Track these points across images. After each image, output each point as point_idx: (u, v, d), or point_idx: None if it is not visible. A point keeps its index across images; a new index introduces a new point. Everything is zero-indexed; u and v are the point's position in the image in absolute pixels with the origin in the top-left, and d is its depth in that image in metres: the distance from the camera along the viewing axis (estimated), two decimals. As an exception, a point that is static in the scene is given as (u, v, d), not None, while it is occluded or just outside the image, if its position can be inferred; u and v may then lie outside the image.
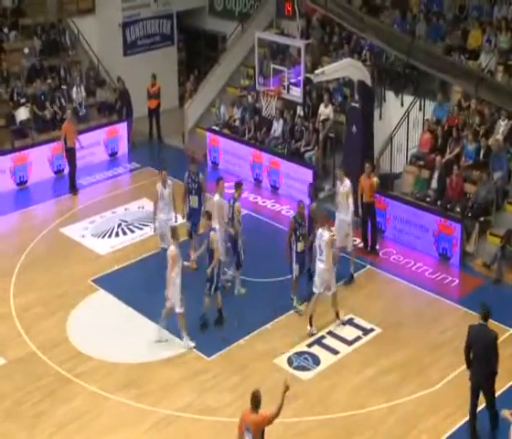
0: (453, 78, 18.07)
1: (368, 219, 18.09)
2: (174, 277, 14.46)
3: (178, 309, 14.65)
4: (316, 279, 15.12)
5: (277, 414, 10.33)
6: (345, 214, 16.85)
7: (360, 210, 17.91)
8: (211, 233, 14.98)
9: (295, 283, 15.93)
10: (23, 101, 23.01)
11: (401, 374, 14.12)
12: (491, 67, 20.52)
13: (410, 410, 13.27)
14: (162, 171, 17.25)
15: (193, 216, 17.19)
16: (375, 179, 17.77)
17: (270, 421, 10.35)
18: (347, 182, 16.89)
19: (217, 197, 16.32)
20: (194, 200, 17.11)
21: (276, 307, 15.84)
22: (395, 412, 13.16)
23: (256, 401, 10.36)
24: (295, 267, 15.77)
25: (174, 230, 14.82)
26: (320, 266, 15.02)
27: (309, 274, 16.08)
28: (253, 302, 16.09)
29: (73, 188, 21.63)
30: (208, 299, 15.25)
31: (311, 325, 15.17)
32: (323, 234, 14.95)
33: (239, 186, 16.59)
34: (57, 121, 23.17)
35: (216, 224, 15.72)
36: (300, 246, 15.68)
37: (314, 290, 15.17)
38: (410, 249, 17.92)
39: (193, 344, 14.86)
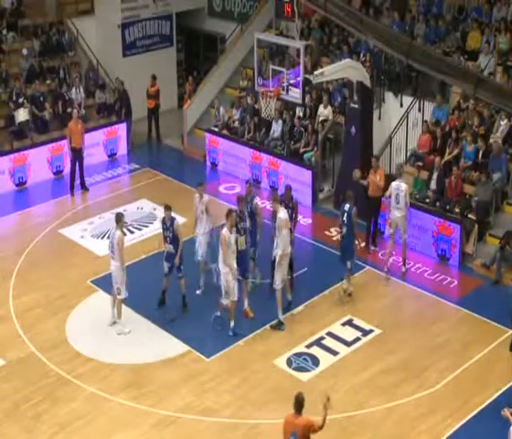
0: (452, 79, 18.07)
1: (373, 213, 18.24)
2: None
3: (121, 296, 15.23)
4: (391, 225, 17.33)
5: (322, 426, 10.28)
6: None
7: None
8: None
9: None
10: (21, 100, 22.97)
11: (400, 375, 14.13)
12: (490, 68, 20.55)
13: (409, 411, 13.28)
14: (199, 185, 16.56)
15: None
16: (379, 176, 17.96)
17: (315, 430, 10.28)
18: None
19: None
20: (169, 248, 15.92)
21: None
22: (394, 413, 13.18)
23: (300, 404, 10.31)
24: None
25: (118, 216, 15.39)
26: (397, 214, 17.00)
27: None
28: (253, 303, 16.07)
29: (84, 186, 21.77)
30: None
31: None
32: (400, 185, 16.88)
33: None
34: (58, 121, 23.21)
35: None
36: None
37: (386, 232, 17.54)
38: (410, 250, 17.92)
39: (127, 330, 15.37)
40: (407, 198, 17.11)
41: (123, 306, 16.10)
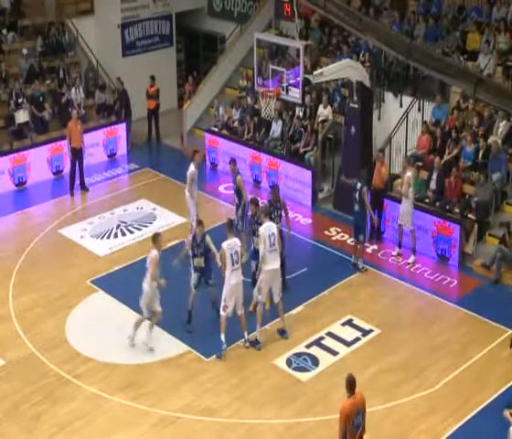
0: (452, 79, 18.07)
1: (376, 206, 18.38)
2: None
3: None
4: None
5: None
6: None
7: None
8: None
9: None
10: (21, 101, 22.97)
11: (400, 375, 14.13)
12: (490, 68, 20.55)
13: (409, 411, 13.28)
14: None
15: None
16: (384, 170, 18.46)
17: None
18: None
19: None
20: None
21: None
22: (393, 413, 13.18)
23: (353, 384, 10.52)
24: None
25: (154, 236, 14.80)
26: (405, 204, 17.55)
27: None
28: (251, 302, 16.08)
29: (83, 187, 21.77)
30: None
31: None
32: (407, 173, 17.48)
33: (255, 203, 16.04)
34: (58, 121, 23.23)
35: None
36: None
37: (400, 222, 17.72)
38: (410, 250, 17.93)
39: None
40: (410, 187, 17.49)
41: (123, 306, 16.14)
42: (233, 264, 14.37)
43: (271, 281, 14.81)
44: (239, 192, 17.37)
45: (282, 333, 15.20)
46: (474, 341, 15.10)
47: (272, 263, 14.69)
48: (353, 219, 17.78)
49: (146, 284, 14.61)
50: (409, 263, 17.77)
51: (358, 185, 17.21)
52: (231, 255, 14.33)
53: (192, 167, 18.26)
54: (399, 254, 18.09)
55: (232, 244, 14.43)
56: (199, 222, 15.42)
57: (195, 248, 15.21)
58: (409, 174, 17.68)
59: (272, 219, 15.48)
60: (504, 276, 17.10)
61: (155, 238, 14.68)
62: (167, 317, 15.56)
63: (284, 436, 12.82)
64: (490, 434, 12.45)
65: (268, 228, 14.76)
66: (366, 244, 17.99)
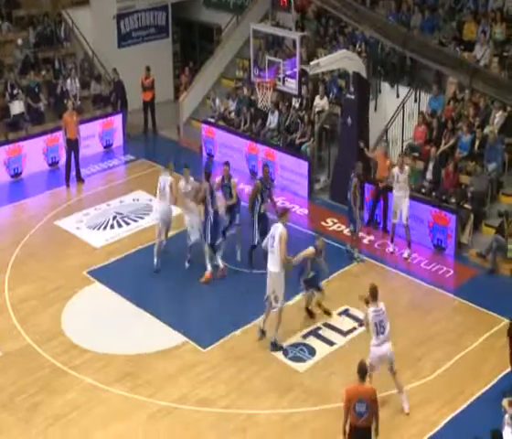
0: (449, 69, 18.08)
1: (380, 196, 18.52)
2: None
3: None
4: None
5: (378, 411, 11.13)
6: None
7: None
8: None
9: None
10: (16, 91, 22.92)
11: (395, 365, 14.13)
12: (486, 58, 20.53)
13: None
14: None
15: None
16: (389, 162, 18.50)
17: (377, 403, 11.07)
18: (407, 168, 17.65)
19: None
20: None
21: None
22: (388, 403, 13.16)
23: (364, 371, 10.95)
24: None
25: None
26: (397, 195, 17.48)
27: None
28: (249, 292, 16.10)
29: (79, 178, 21.73)
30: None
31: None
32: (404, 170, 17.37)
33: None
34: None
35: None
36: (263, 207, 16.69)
37: (394, 220, 17.68)
38: (406, 240, 17.94)
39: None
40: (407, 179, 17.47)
41: (119, 297, 16.14)
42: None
43: (269, 280, 14.53)
44: (230, 194, 17.22)
45: (262, 333, 14.88)
46: (469, 330, 15.13)
47: (268, 263, 14.43)
48: (347, 210, 17.87)
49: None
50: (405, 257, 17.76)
51: (352, 175, 17.32)
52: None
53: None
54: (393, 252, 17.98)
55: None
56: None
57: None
58: (407, 168, 17.63)
59: (261, 199, 16.33)
60: (500, 266, 17.13)
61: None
62: (164, 309, 15.63)
63: (281, 426, 12.83)
64: (485, 423, 12.42)
65: (272, 228, 14.47)
66: (361, 234, 17.96)
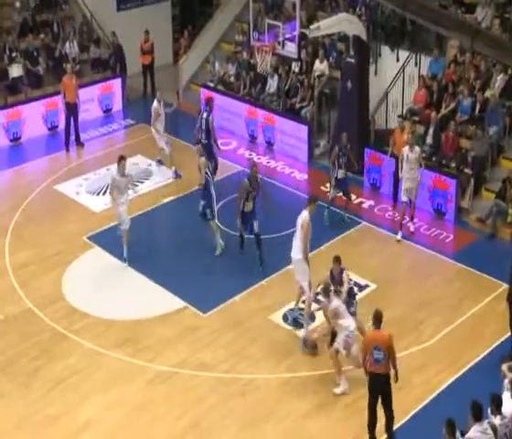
0: (449, 31, 17.92)
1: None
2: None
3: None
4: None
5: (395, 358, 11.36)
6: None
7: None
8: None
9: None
10: (14, 55, 22.75)
11: (395, 330, 13.97)
12: (487, 20, 20.36)
13: (403, 365, 13.22)
14: None
15: None
16: (406, 136, 17.70)
17: (393, 349, 11.31)
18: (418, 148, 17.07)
19: None
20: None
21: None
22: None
23: (379, 319, 11.30)
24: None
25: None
26: (407, 176, 16.80)
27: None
28: (248, 258, 16.10)
29: (79, 142, 21.63)
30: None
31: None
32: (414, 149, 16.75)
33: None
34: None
35: None
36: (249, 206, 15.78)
37: (403, 198, 17.00)
38: (409, 214, 17.83)
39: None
40: (420, 160, 16.93)
41: (119, 262, 16.14)
42: None
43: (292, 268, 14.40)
44: (207, 131, 18.09)
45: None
46: (469, 295, 15.15)
47: (292, 251, 14.17)
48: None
49: None
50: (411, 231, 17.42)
51: (417, 148, 16.82)
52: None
53: (155, 103, 19.54)
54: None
55: None
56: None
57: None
58: (417, 149, 17.00)
59: (247, 198, 15.58)
60: (500, 230, 17.11)
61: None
62: (164, 273, 15.63)
63: (280, 391, 12.89)
64: (484, 388, 12.47)
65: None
66: (361, 200, 17.88)
